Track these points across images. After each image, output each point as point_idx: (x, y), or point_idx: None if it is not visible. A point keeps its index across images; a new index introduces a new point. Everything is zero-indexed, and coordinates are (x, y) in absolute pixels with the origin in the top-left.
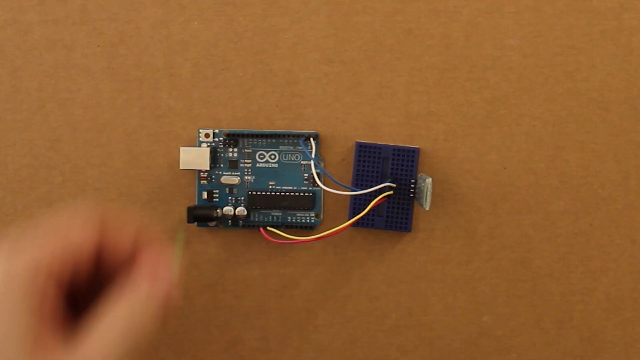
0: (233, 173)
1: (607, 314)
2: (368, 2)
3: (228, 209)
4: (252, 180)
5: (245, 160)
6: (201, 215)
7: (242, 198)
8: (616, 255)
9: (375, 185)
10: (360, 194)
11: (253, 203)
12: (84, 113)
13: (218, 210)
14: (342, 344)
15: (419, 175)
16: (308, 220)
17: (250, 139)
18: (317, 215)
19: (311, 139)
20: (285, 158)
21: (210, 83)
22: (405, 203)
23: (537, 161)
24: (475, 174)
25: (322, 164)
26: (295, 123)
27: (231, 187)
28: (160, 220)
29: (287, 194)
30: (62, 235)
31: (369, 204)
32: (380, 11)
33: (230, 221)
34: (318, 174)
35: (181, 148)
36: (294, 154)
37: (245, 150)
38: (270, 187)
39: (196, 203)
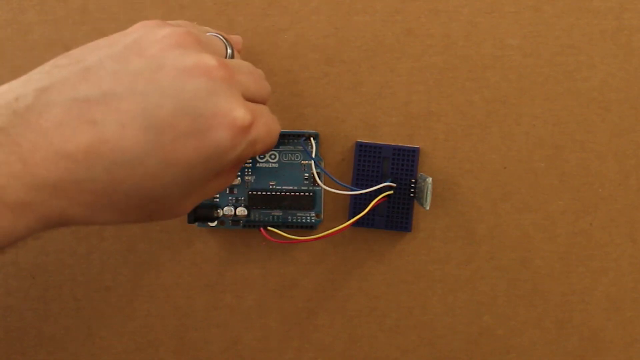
0: None
1: (607, 314)
2: (368, 2)
3: (228, 209)
4: (252, 180)
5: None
6: (201, 215)
7: (243, 198)
8: (616, 255)
9: (375, 185)
10: (360, 194)
11: (253, 203)
12: None
13: (218, 210)
14: (342, 344)
15: (419, 175)
16: (308, 220)
17: None
18: (317, 215)
19: (311, 139)
20: (285, 158)
21: None
22: (405, 203)
23: (537, 161)
24: (475, 173)
25: (322, 164)
26: (295, 123)
27: (231, 187)
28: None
29: (288, 193)
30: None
31: (369, 204)
32: (380, 11)
33: (230, 221)
34: (318, 174)
35: None
36: (294, 153)
37: None
38: (270, 187)
39: None
